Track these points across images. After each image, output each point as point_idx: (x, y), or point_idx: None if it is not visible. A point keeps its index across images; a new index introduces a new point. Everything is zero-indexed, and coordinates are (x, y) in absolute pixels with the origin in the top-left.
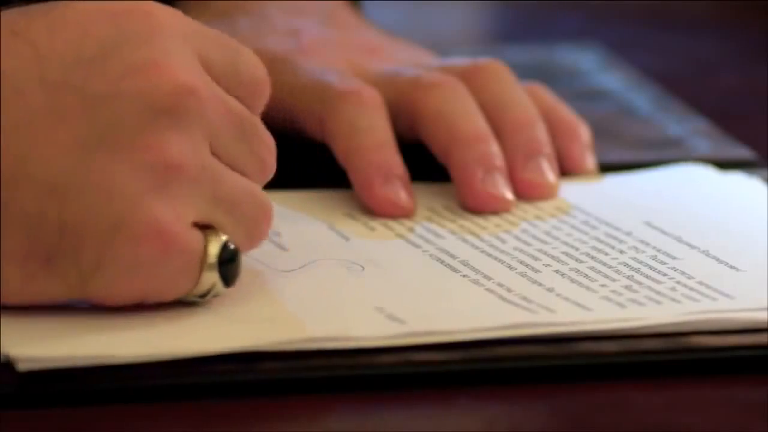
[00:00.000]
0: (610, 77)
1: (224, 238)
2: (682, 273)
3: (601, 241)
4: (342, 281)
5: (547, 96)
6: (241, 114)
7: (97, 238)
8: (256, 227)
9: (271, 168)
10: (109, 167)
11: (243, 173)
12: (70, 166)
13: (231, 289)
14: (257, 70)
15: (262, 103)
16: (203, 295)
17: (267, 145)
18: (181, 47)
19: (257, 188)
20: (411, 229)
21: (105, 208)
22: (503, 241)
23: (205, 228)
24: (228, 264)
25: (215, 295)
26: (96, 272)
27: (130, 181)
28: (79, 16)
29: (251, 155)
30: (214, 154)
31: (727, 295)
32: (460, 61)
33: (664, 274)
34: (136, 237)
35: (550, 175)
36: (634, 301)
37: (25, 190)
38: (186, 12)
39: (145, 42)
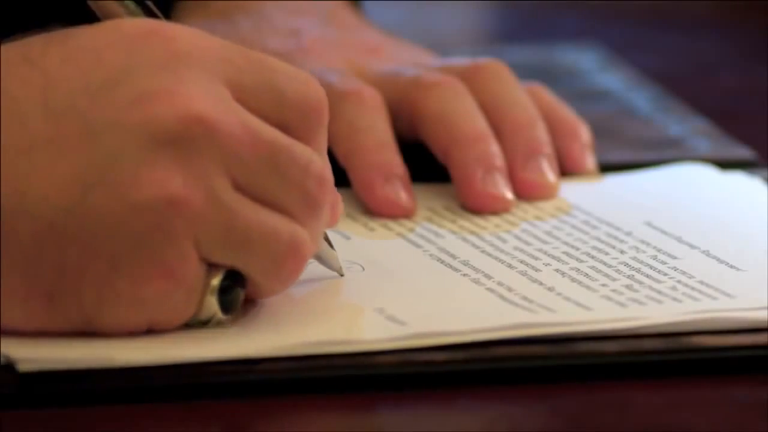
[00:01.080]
0: (610, 77)
1: (224, 268)
2: (683, 272)
3: (602, 241)
4: (342, 281)
5: (548, 96)
6: (273, 143)
7: (97, 278)
8: (279, 268)
9: (318, 201)
10: (108, 205)
11: (279, 209)
12: (69, 204)
13: None
14: (306, 90)
15: (316, 126)
16: (205, 323)
17: (314, 176)
18: (200, 74)
19: (286, 225)
20: (411, 229)
21: (104, 247)
22: (503, 241)
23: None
24: (228, 294)
25: (218, 323)
26: (98, 310)
27: (130, 219)
28: (96, 42)
29: (289, 189)
30: (239, 188)
31: (727, 295)
32: (460, 61)
33: (665, 274)
34: (138, 277)
35: (550, 174)
36: (634, 300)
37: (23, 226)
38: (186, 12)
39: (159, 69)
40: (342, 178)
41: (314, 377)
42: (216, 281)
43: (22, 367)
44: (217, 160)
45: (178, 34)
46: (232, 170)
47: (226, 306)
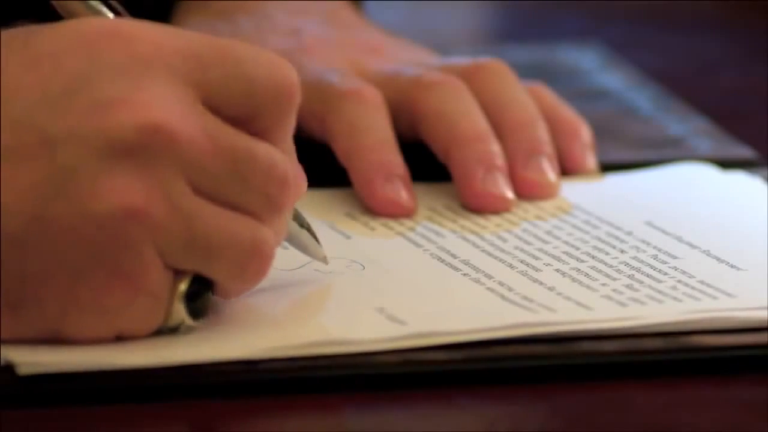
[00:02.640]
0: (611, 77)
1: (191, 275)
2: (683, 272)
3: (602, 241)
4: (342, 280)
5: (548, 95)
6: (234, 148)
7: (59, 289)
8: (244, 270)
9: (280, 204)
10: (67, 216)
11: (242, 210)
12: (29, 214)
13: None
14: (275, 74)
15: (287, 109)
16: (174, 329)
17: (276, 179)
18: (160, 78)
19: (249, 227)
20: (412, 229)
21: (65, 258)
22: (504, 241)
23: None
24: (197, 299)
25: (188, 329)
26: (62, 320)
27: (89, 230)
28: (56, 46)
29: (251, 192)
30: (200, 193)
31: (728, 294)
32: (461, 60)
33: (665, 274)
34: (99, 287)
35: (551, 174)
36: (635, 300)
37: None
38: (186, 11)
39: (118, 76)
40: (343, 178)
41: (314, 377)
42: (183, 287)
43: (22, 370)
44: (176, 168)
45: (140, 34)
46: (192, 176)
47: (195, 312)
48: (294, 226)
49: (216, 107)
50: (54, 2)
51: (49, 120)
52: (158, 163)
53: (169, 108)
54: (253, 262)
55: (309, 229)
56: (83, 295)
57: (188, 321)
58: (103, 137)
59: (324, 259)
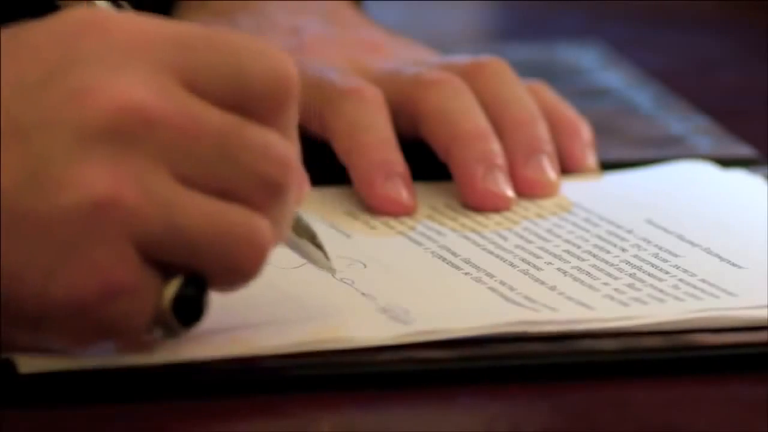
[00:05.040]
0: (612, 75)
1: (183, 275)
2: (685, 271)
3: (603, 239)
4: (343, 279)
5: (549, 94)
6: (221, 129)
7: (33, 287)
8: (236, 262)
9: (280, 186)
10: (37, 209)
11: (236, 198)
12: (3, 210)
13: None
14: (270, 67)
15: (281, 104)
16: (168, 334)
17: (272, 158)
18: (138, 64)
19: (240, 216)
20: (412, 227)
21: (37, 255)
22: (505, 239)
23: (165, 264)
24: (188, 304)
25: (176, 336)
26: (41, 321)
27: (59, 223)
28: (39, 37)
29: (244, 176)
30: (185, 180)
31: (729, 293)
32: (461, 59)
33: (666, 272)
34: (72, 285)
35: (551, 172)
36: (637, 299)
37: None
38: (186, 11)
39: (91, 64)
40: (343, 176)
41: (316, 375)
42: (171, 290)
43: (23, 369)
44: (154, 153)
45: (119, 23)
46: (173, 161)
47: (188, 316)
48: (293, 236)
49: (202, 93)
50: (60, 2)
51: (23, 110)
52: (134, 148)
53: (145, 91)
54: (246, 252)
55: (313, 240)
56: (57, 294)
57: (176, 326)
58: (75, 125)
59: (332, 271)
